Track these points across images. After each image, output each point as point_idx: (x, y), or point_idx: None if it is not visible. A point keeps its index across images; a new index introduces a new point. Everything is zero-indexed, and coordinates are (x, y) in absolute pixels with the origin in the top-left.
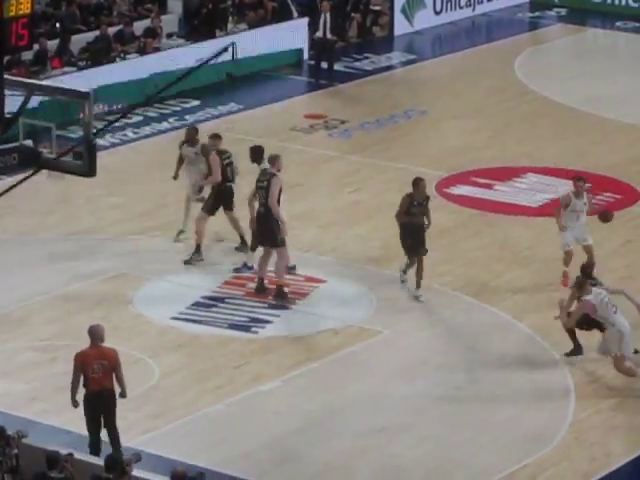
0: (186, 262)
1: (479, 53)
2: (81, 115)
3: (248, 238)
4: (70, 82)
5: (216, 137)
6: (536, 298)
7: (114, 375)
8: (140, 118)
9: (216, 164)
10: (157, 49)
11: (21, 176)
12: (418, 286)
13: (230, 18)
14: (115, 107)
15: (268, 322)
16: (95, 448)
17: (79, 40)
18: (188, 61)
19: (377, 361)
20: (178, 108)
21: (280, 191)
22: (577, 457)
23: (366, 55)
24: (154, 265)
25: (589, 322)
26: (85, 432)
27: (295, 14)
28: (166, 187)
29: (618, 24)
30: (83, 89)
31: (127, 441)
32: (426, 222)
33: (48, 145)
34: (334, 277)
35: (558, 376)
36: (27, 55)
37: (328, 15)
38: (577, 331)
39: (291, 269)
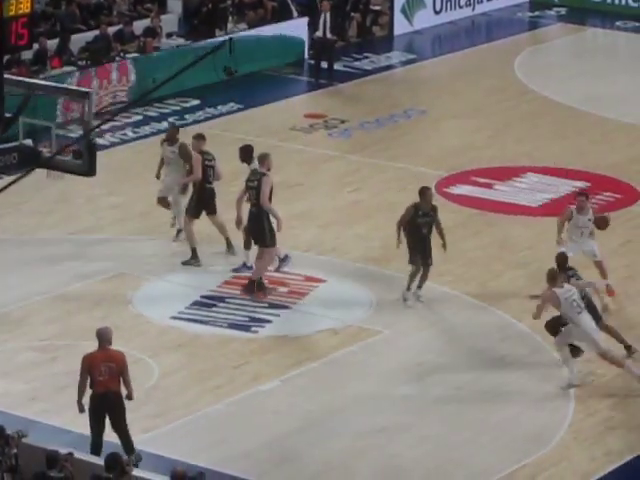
0: (184, 263)
1: (479, 53)
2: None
3: (235, 240)
4: None
5: (200, 138)
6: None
7: (121, 378)
8: (140, 117)
9: (198, 163)
10: (157, 48)
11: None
12: (420, 287)
13: (230, 18)
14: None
15: (268, 322)
16: (96, 449)
17: (79, 39)
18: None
19: (377, 361)
20: (178, 107)
21: (271, 190)
22: (576, 457)
23: (366, 55)
24: (154, 265)
25: (564, 325)
26: (86, 432)
27: (295, 14)
28: None
29: (618, 24)
30: (83, 88)
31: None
32: (441, 241)
33: (48, 144)
34: (334, 277)
35: (557, 376)
36: (27, 54)
37: (328, 15)
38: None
39: (282, 260)
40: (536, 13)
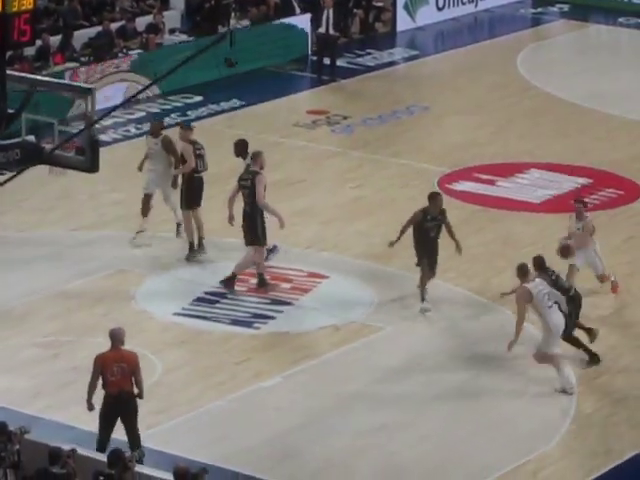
0: (187, 258)
1: (481, 49)
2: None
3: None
4: None
5: (187, 128)
6: None
7: (133, 378)
8: (142, 114)
9: (189, 152)
10: (159, 45)
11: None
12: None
13: (232, 14)
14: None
15: (270, 318)
16: (102, 447)
17: (81, 36)
18: None
19: (378, 358)
20: (180, 104)
21: (264, 189)
22: (578, 454)
23: (368, 51)
24: (156, 261)
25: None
26: (88, 428)
27: (297, 10)
28: None
29: (621, 20)
30: (86, 85)
31: (126, 435)
32: (456, 246)
33: (50, 141)
34: (336, 273)
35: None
36: (29, 51)
37: (331, 11)
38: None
39: (270, 251)
40: (539, 9)
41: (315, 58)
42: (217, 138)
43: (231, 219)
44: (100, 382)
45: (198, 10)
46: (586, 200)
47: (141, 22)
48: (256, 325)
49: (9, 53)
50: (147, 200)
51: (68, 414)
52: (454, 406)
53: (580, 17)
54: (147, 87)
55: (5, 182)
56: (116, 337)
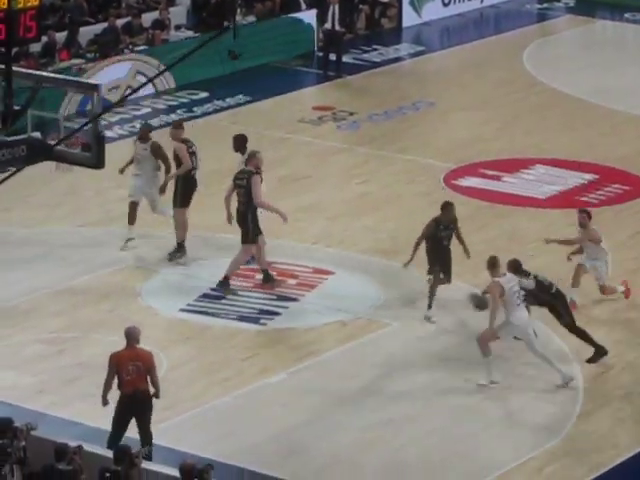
0: (171, 258)
1: (487, 45)
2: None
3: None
4: None
5: (179, 126)
6: None
7: (148, 377)
8: (148, 110)
9: (184, 152)
10: (165, 41)
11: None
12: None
13: (238, 10)
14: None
15: (276, 314)
16: (114, 444)
17: (87, 32)
18: None
19: (385, 353)
20: (186, 100)
21: (261, 187)
22: (584, 449)
23: (374, 47)
24: (162, 257)
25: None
26: (94, 424)
27: (303, 6)
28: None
29: (627, 16)
30: (92, 81)
31: (136, 433)
32: (464, 250)
33: (56, 137)
34: (342, 269)
35: (565, 369)
36: (35, 47)
37: (336, 7)
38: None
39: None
40: (544, 5)
41: (321, 54)
42: (222, 134)
43: (230, 218)
44: (115, 382)
45: (204, 6)
46: (590, 205)
47: (147, 18)
48: (262, 321)
49: (15, 49)
50: (134, 207)
51: (73, 410)
52: (460, 402)
53: (586, 13)
54: (148, 82)
55: (3, 181)
56: (131, 335)
